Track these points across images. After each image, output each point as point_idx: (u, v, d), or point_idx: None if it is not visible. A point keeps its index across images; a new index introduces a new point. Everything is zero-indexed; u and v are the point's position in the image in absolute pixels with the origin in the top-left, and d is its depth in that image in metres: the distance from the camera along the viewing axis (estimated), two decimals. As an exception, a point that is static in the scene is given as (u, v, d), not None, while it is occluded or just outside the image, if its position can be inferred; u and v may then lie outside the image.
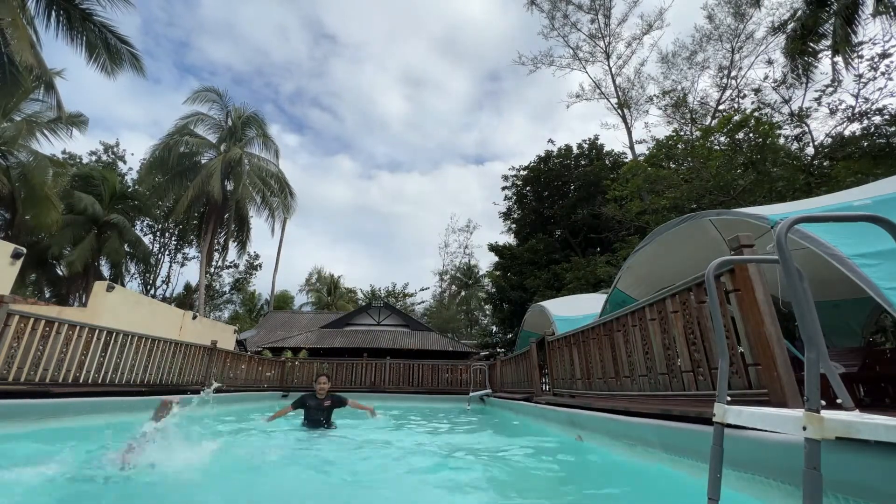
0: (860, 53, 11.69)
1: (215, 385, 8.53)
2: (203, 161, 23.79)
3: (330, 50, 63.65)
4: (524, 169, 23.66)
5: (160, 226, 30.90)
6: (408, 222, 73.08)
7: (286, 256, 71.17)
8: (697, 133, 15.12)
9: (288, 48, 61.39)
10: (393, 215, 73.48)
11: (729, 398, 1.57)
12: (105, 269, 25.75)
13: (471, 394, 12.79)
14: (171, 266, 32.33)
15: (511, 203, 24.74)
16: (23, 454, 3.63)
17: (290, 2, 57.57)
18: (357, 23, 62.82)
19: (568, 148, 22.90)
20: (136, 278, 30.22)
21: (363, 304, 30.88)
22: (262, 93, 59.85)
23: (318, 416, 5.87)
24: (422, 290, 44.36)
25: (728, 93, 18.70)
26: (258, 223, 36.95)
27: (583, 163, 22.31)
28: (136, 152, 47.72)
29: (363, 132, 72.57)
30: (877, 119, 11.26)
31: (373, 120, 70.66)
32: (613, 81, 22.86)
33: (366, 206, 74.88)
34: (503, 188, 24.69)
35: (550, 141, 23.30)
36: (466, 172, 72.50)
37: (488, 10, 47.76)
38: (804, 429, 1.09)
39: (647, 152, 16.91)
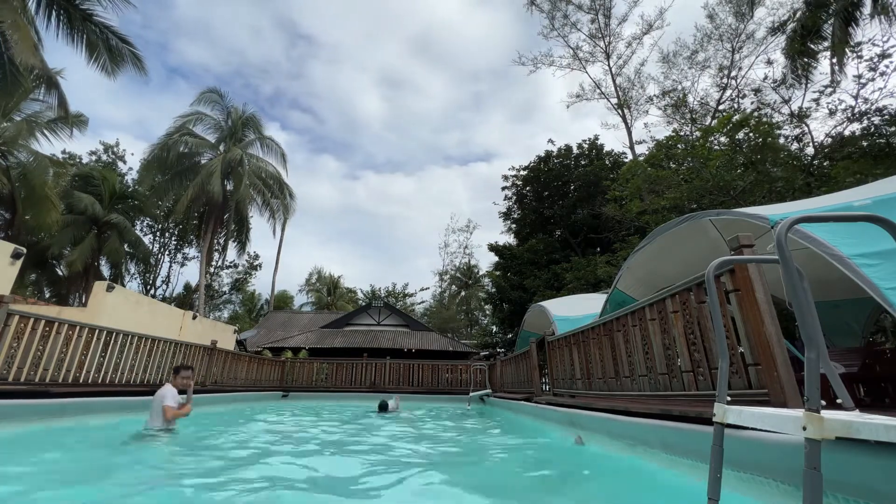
0: (860, 54, 11.70)
1: None
2: (203, 161, 23.80)
3: (307, 51, 62.91)
4: (524, 169, 23.69)
5: (160, 226, 30.91)
6: (400, 223, 73.15)
7: (285, 256, 71.29)
8: (697, 133, 15.12)
9: (264, 49, 60.20)
10: (383, 216, 73.52)
11: (729, 398, 1.57)
12: (105, 269, 25.75)
13: (471, 394, 12.79)
14: (171, 266, 32.39)
15: (511, 203, 24.78)
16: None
17: (262, 2, 56.54)
18: (332, 24, 61.74)
19: (568, 148, 22.92)
20: (136, 278, 30.28)
21: (363, 304, 30.88)
22: (241, 94, 59.42)
23: None
24: (422, 290, 44.49)
25: (728, 93, 18.72)
26: (258, 223, 36.94)
27: (583, 163, 22.32)
28: (134, 152, 47.61)
29: (346, 133, 72.02)
30: (876, 119, 11.24)
31: (356, 121, 70.25)
32: (613, 81, 22.90)
33: (355, 207, 74.75)
34: (503, 188, 24.75)
35: (550, 141, 23.37)
36: (459, 173, 72.47)
37: (480, 10, 47.57)
38: (804, 429, 1.09)
39: (647, 152, 16.92)
